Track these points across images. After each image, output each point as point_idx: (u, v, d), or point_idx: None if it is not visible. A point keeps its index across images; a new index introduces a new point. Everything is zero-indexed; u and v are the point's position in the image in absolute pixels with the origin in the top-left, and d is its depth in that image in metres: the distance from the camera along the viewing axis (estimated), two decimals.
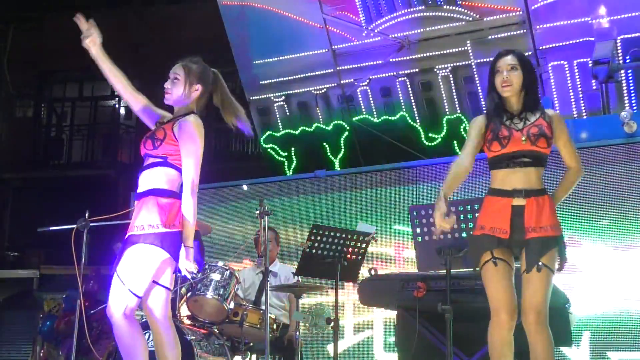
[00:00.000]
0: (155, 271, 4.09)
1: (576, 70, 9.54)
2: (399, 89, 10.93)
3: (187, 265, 4.07)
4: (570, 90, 9.58)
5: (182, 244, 4.06)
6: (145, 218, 4.10)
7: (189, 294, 6.18)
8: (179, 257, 4.07)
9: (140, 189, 4.21)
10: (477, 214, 4.34)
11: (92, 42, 4.23)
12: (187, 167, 4.12)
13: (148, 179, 4.20)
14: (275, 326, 6.42)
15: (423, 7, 10.53)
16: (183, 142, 4.16)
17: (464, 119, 10.40)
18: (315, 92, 11.49)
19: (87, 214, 5.86)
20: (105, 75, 4.33)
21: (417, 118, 10.81)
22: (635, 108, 8.98)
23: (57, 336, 8.57)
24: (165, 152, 4.18)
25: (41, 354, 8.80)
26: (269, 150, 11.58)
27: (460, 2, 10.27)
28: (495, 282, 4.02)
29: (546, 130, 4.11)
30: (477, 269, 4.16)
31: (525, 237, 3.98)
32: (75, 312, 5.76)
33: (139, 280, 4.06)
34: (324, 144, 11.08)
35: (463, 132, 10.30)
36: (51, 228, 6.35)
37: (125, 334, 4.07)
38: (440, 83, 10.64)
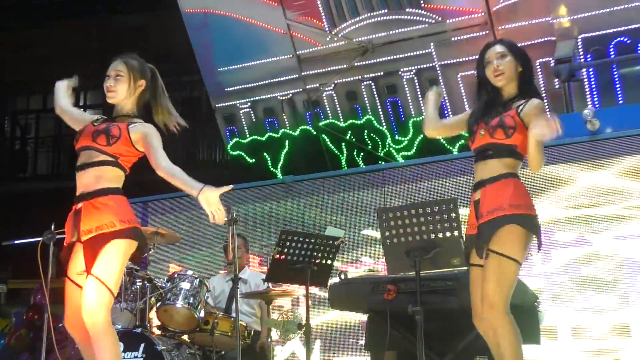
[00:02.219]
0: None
1: (539, 70, 9.63)
2: (364, 93, 10.96)
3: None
4: None
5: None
6: (101, 218, 3.99)
7: (158, 304, 6.14)
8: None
9: (87, 188, 4.07)
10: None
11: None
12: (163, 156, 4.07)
13: (98, 177, 4.08)
14: (246, 333, 6.40)
15: (386, 10, 10.58)
16: (150, 146, 4.10)
17: None
18: (281, 98, 11.49)
19: (52, 227, 5.79)
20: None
21: (383, 121, 10.85)
22: (597, 106, 9.08)
23: (12, 354, 8.49)
24: (118, 152, 4.09)
25: None
26: (236, 157, 11.57)
27: (422, 5, 10.33)
28: (471, 288, 4.06)
29: (507, 121, 3.99)
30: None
31: (477, 224, 3.96)
32: (24, 326, 5.67)
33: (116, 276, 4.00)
34: (291, 149, 11.08)
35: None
36: (17, 241, 6.28)
37: (111, 343, 3.94)
38: (405, 86, 10.69)
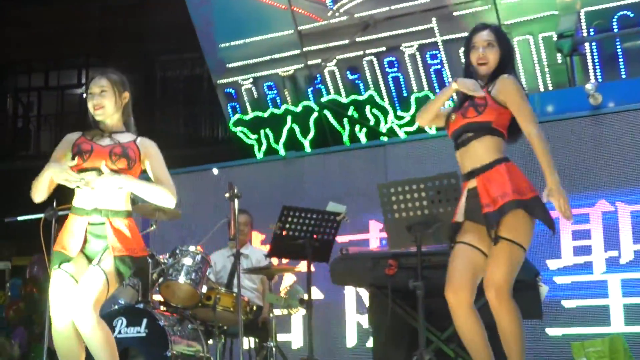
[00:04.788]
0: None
1: (541, 44, 9.58)
2: (366, 68, 10.92)
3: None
4: (536, 64, 9.62)
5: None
6: (122, 240, 4.17)
7: (160, 280, 6.17)
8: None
9: (108, 206, 4.21)
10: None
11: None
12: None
13: (118, 197, 4.23)
14: (248, 309, 6.43)
15: None
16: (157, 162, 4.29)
17: (432, 97, 10.41)
18: (283, 74, 11.45)
19: (54, 203, 5.80)
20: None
21: (385, 97, 10.81)
22: (600, 80, 9.04)
23: (8, 326, 8.54)
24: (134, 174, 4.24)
25: None
26: (238, 133, 11.54)
27: None
28: (449, 263, 4.05)
29: (477, 100, 4.01)
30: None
31: (482, 212, 3.93)
32: (22, 299, 5.68)
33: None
34: (293, 125, 11.05)
35: None
36: (19, 218, 6.30)
37: (107, 338, 4.06)
38: (407, 61, 10.64)
